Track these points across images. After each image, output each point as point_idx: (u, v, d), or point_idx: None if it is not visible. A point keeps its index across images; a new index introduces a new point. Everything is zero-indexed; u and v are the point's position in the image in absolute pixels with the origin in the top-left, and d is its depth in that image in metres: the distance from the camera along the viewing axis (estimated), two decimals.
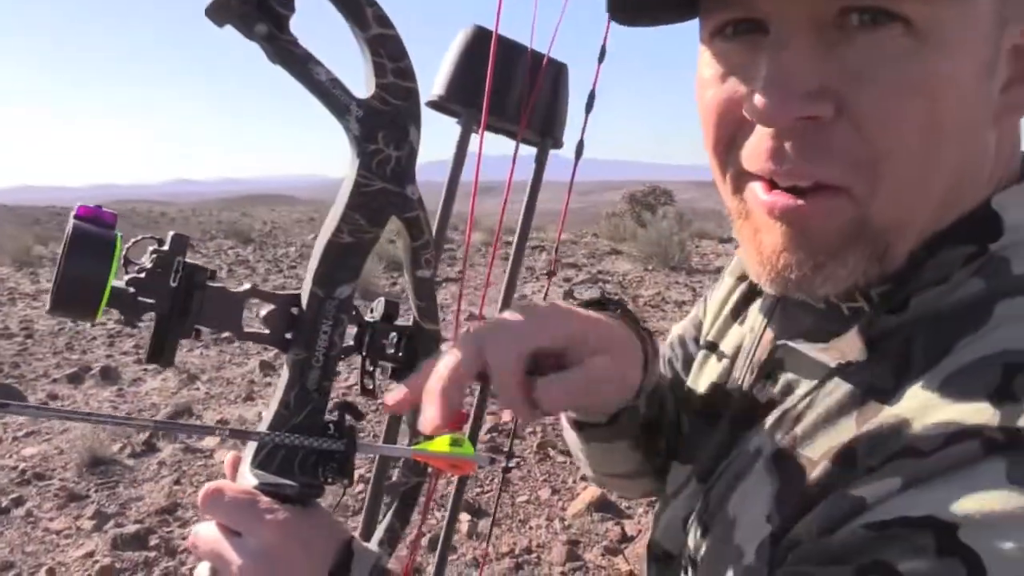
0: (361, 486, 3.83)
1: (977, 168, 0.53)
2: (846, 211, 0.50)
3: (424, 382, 0.60)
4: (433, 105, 1.13)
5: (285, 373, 0.65)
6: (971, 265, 0.52)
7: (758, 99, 0.48)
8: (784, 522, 0.52)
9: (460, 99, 1.11)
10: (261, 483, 0.61)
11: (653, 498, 0.89)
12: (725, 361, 0.74)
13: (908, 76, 0.46)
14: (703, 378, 0.76)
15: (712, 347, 0.78)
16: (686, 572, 0.65)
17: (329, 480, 0.65)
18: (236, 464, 0.65)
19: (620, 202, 17.04)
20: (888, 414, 0.49)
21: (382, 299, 0.77)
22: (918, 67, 0.46)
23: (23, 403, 0.59)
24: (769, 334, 0.67)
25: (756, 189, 0.53)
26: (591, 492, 3.74)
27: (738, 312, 0.77)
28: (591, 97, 1.16)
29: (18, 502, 3.77)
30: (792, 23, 0.47)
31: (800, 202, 0.50)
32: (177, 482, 4.02)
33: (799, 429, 0.56)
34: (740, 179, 0.55)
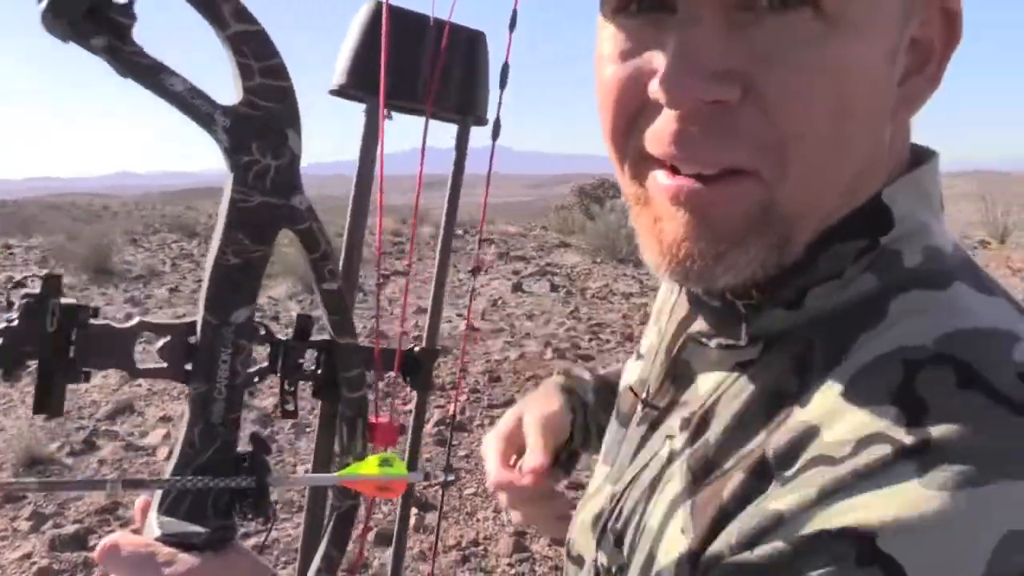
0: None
1: (877, 160, 0.53)
2: (752, 195, 0.49)
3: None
4: (337, 94, 1.05)
5: (187, 409, 0.61)
6: (863, 259, 0.52)
7: (664, 80, 0.46)
8: (701, 536, 0.51)
9: (364, 84, 1.03)
10: (164, 533, 0.57)
11: None
12: (641, 361, 0.75)
13: (817, 59, 0.45)
14: (624, 380, 0.77)
15: (637, 350, 0.80)
16: None
17: (248, 518, 0.62)
18: (146, 509, 0.62)
19: (569, 195, 17.13)
20: (797, 420, 0.49)
21: (296, 315, 0.75)
22: (827, 51, 0.45)
23: None
24: (674, 333, 0.67)
25: (658, 175, 0.51)
26: None
27: (658, 313, 0.78)
28: (504, 70, 1.08)
29: None
30: (701, 2, 0.46)
31: (704, 189, 0.49)
32: None
33: (710, 435, 0.55)
34: (640, 164, 0.53)
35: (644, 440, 0.65)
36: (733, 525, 0.48)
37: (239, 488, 0.59)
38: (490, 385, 5.35)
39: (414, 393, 1.14)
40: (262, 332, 0.66)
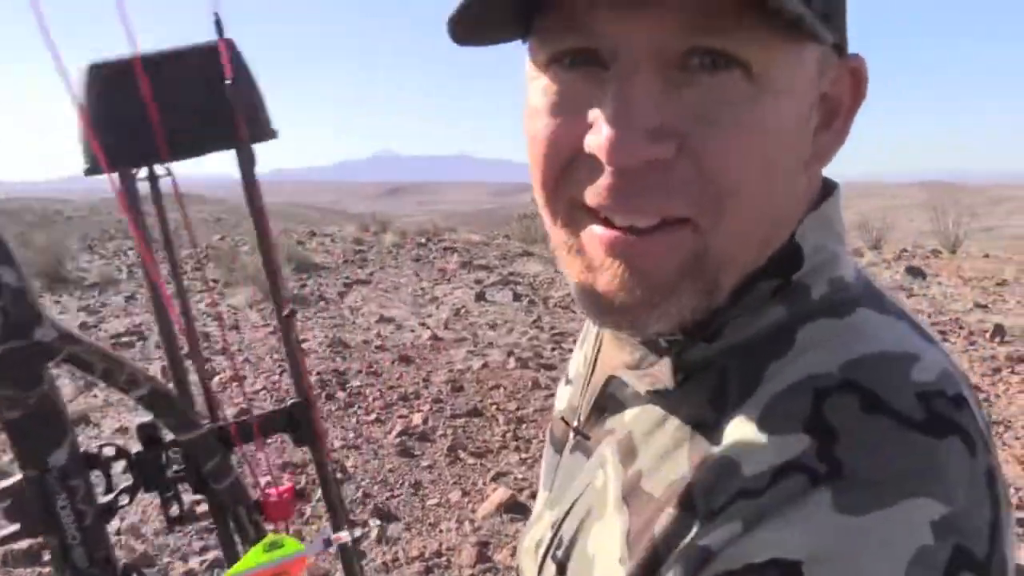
0: None
1: (791, 209, 0.56)
2: (687, 244, 0.51)
3: None
4: (92, 173, 0.97)
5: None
6: (777, 296, 0.56)
7: (603, 137, 0.48)
8: (638, 569, 0.53)
9: (101, 163, 0.94)
10: None
11: None
12: (571, 387, 0.77)
13: (747, 119, 0.48)
14: (557, 405, 0.79)
15: (567, 375, 0.82)
16: None
17: None
18: None
19: (532, 204, 17.16)
20: (718, 453, 0.51)
21: (136, 426, 0.71)
22: (756, 111, 0.48)
23: None
24: (601, 362, 0.69)
25: (593, 226, 0.52)
26: (501, 494, 3.78)
27: (584, 338, 0.80)
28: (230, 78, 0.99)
29: None
30: (638, 58, 0.47)
31: (639, 241, 0.50)
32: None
33: (639, 464, 0.58)
34: (573, 213, 0.54)
35: (578, 467, 0.67)
36: (668, 566, 0.50)
37: None
38: (453, 395, 5.34)
39: (310, 450, 1.05)
40: (111, 452, 0.62)
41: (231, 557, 0.88)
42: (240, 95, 0.99)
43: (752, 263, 0.55)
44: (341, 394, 5.34)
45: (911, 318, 0.57)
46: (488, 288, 8.88)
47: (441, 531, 3.57)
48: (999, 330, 6.46)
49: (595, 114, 0.49)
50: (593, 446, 0.66)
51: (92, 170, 0.96)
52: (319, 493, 3.87)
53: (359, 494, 3.89)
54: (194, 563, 3.25)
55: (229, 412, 4.91)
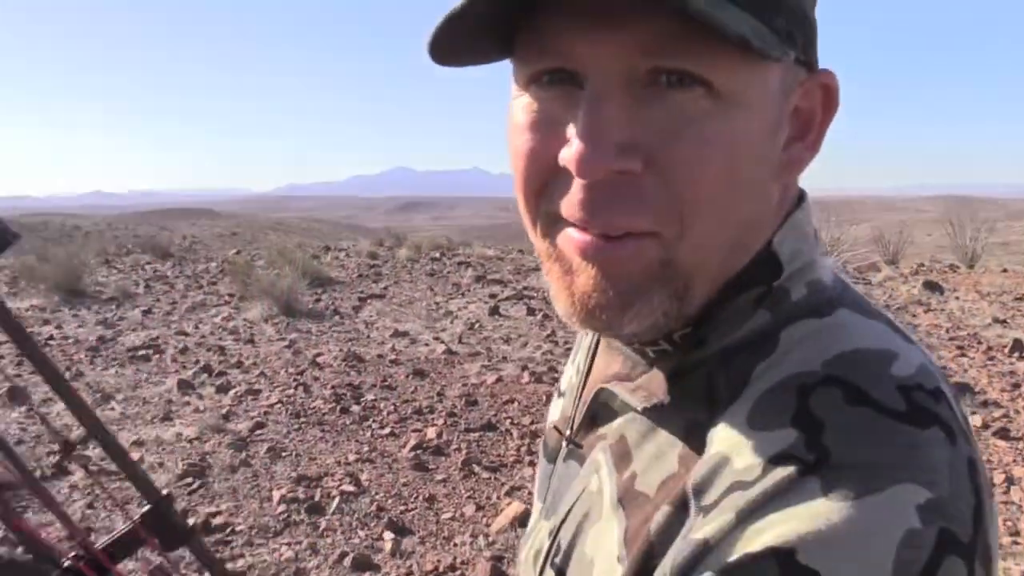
0: None
1: (762, 217, 0.58)
2: (653, 252, 0.53)
3: None
4: None
5: None
6: (760, 301, 0.58)
7: (574, 151, 0.51)
8: (634, 569, 0.54)
9: None
10: None
11: None
12: (563, 399, 0.80)
13: (709, 134, 0.51)
14: (549, 418, 0.81)
15: (559, 388, 0.84)
16: None
17: None
18: None
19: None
20: (710, 452, 0.53)
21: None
22: (718, 127, 0.51)
23: None
24: (593, 374, 0.72)
25: (568, 232, 0.55)
26: (515, 508, 3.77)
27: (576, 352, 0.82)
28: None
29: None
30: (607, 78, 0.51)
31: (610, 246, 0.53)
32: (90, 506, 3.90)
33: (635, 467, 0.60)
34: (551, 225, 0.57)
35: (572, 475, 0.69)
36: (665, 560, 0.52)
37: None
38: (467, 409, 5.34)
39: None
40: None
41: None
42: None
43: (726, 271, 0.58)
44: (356, 408, 5.36)
45: (889, 318, 0.59)
46: (502, 302, 8.89)
47: (455, 545, 3.57)
48: (1018, 345, 6.40)
49: (570, 131, 0.53)
50: (586, 453, 0.68)
51: None
52: (335, 504, 3.88)
53: (373, 508, 3.89)
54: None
55: (243, 426, 4.94)
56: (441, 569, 3.35)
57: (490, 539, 3.60)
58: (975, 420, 4.77)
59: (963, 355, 6.33)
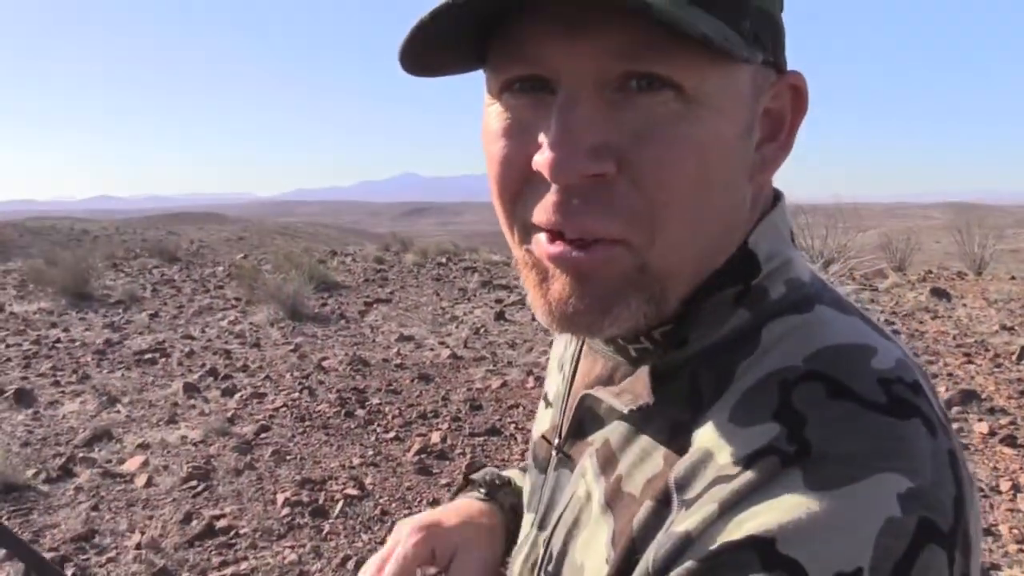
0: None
1: (737, 218, 0.59)
2: (626, 259, 0.54)
3: None
4: None
5: None
6: (739, 300, 0.59)
7: (548, 156, 0.51)
8: (617, 565, 0.55)
9: None
10: None
11: None
12: (551, 409, 0.79)
13: (679, 137, 0.51)
14: (537, 428, 0.81)
15: (545, 398, 0.84)
16: None
17: None
18: None
19: None
20: (693, 448, 0.54)
21: None
22: (688, 129, 0.51)
23: None
24: (577, 379, 0.72)
25: (542, 240, 0.56)
26: None
27: (560, 360, 0.82)
28: None
29: None
30: (579, 83, 0.52)
31: (583, 254, 0.54)
32: (95, 508, 3.90)
33: (620, 470, 0.60)
34: (527, 230, 0.57)
35: (562, 483, 0.69)
36: (648, 553, 0.52)
37: None
38: (472, 413, 5.34)
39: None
40: None
41: None
42: None
43: (702, 270, 0.58)
44: (360, 412, 5.36)
45: (865, 315, 0.60)
46: (508, 307, 8.89)
47: None
48: None
49: (543, 137, 0.53)
50: (576, 459, 0.68)
51: None
52: (339, 508, 3.88)
53: (377, 511, 3.89)
54: None
55: (248, 429, 4.95)
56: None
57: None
58: (982, 427, 4.74)
59: (970, 362, 6.30)
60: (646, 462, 0.58)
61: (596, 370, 0.68)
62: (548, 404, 0.82)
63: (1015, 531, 3.51)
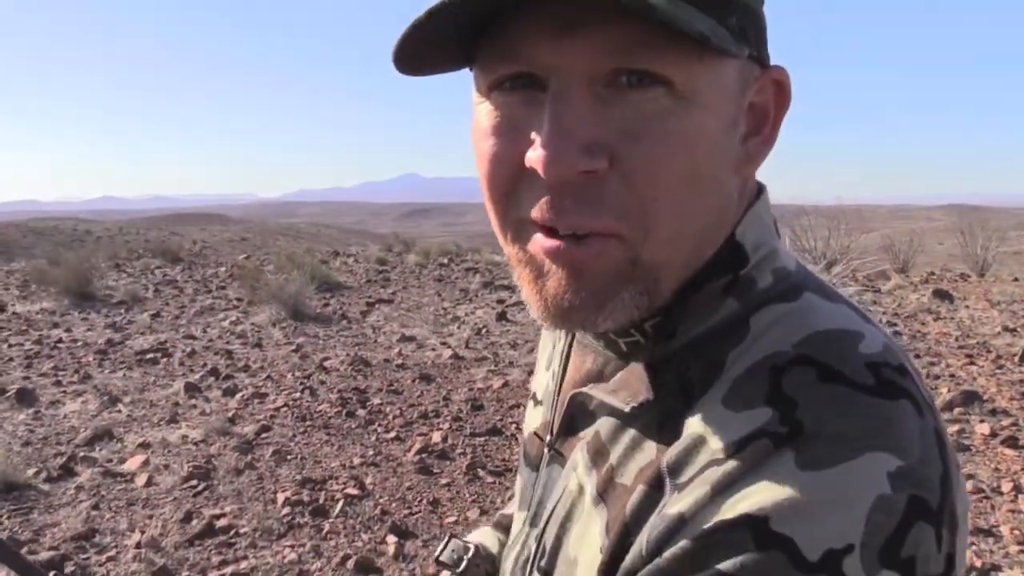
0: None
1: (725, 211, 0.60)
2: (618, 252, 0.55)
3: None
4: None
5: None
6: (728, 290, 0.60)
7: (541, 152, 0.52)
8: (611, 551, 0.55)
9: None
10: None
11: None
12: (541, 407, 0.79)
13: (670, 132, 0.52)
14: (527, 427, 0.81)
15: (534, 396, 0.84)
16: None
17: None
18: None
19: None
20: (685, 435, 0.54)
21: None
22: (678, 124, 0.52)
23: None
24: (568, 376, 0.72)
25: (538, 236, 0.56)
26: None
27: (549, 359, 0.82)
28: None
29: None
30: (571, 80, 0.52)
31: (577, 248, 0.54)
32: (95, 507, 3.91)
33: (611, 461, 0.61)
34: (521, 227, 0.58)
35: (554, 478, 0.70)
36: (641, 536, 0.53)
37: None
38: (473, 413, 5.34)
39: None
40: None
41: None
42: None
43: (692, 263, 0.59)
44: (361, 412, 5.36)
45: (851, 303, 0.61)
46: (510, 308, 8.89)
47: None
48: None
49: (535, 133, 0.54)
50: (567, 454, 0.68)
51: None
52: (339, 507, 3.88)
53: (377, 511, 3.89)
54: None
55: (249, 429, 4.95)
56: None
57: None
58: (983, 428, 4.73)
59: (972, 363, 6.29)
60: (637, 452, 0.58)
61: (587, 366, 0.68)
62: (537, 402, 0.82)
63: (1016, 532, 3.50)
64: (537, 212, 0.55)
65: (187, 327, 8.17)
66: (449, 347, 7.15)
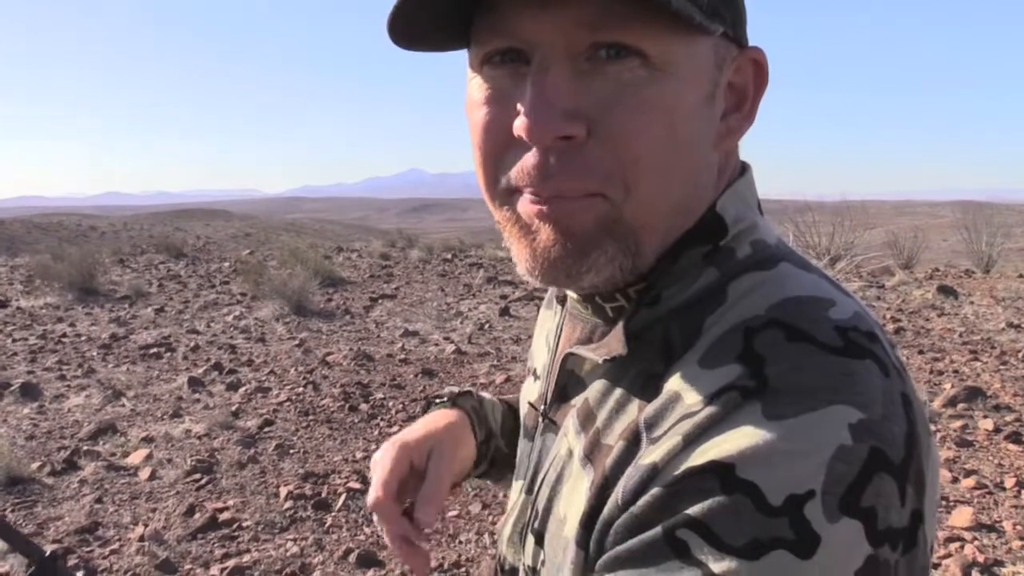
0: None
1: (704, 181, 0.63)
2: (602, 207, 0.58)
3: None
4: None
5: None
6: (708, 259, 0.63)
7: (524, 119, 0.56)
8: (591, 502, 0.58)
9: None
10: None
11: None
12: (539, 381, 0.83)
13: (646, 99, 0.56)
14: (524, 399, 0.85)
15: (533, 372, 0.88)
16: None
17: None
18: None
19: None
20: (663, 393, 0.57)
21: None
22: (654, 91, 0.56)
23: None
24: (560, 345, 0.76)
25: (526, 197, 0.60)
26: None
27: (547, 335, 0.86)
28: None
29: None
30: (551, 53, 0.56)
31: (562, 204, 0.58)
32: (99, 500, 3.92)
33: (598, 424, 0.63)
34: (510, 195, 0.62)
35: (547, 446, 0.73)
36: (617, 487, 0.55)
37: None
38: None
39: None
40: None
41: None
42: None
43: (674, 228, 0.62)
44: (364, 406, 5.37)
45: (825, 275, 0.63)
46: (513, 303, 8.89)
47: (460, 543, 3.57)
48: None
49: (520, 104, 0.58)
50: (559, 421, 0.71)
51: None
52: (341, 501, 3.89)
53: None
54: (215, 570, 3.27)
55: (252, 423, 4.96)
56: (446, 566, 3.35)
57: (495, 537, 3.59)
58: (987, 424, 4.73)
59: (976, 359, 6.28)
60: (621, 414, 0.61)
61: (576, 334, 0.72)
62: (536, 377, 0.85)
63: (1019, 527, 3.50)
64: (523, 177, 0.59)
65: (191, 322, 8.19)
66: (452, 342, 7.16)
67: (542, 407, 0.76)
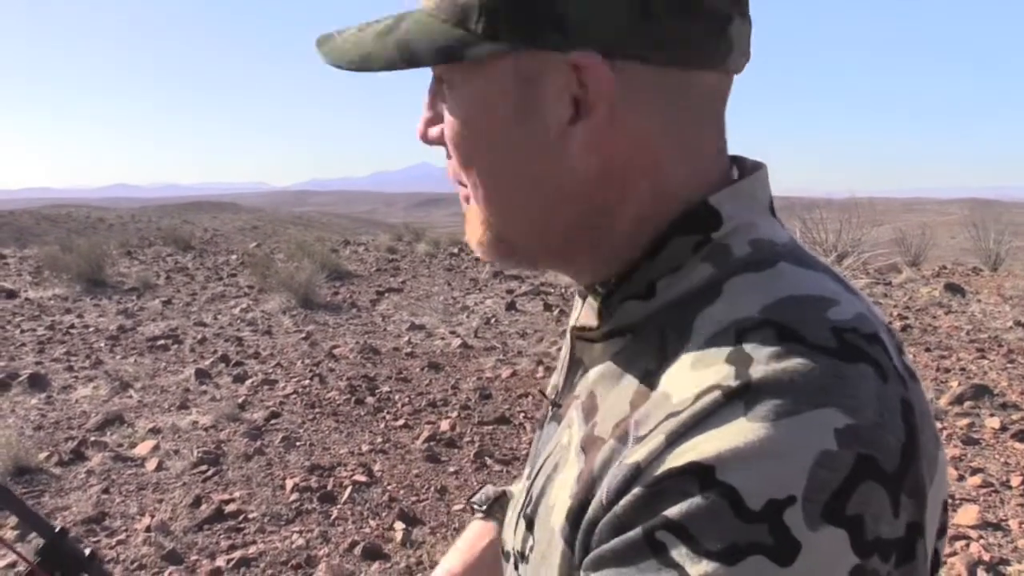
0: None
1: (572, 190, 0.63)
2: (481, 223, 0.68)
3: None
4: None
5: None
6: (700, 252, 0.62)
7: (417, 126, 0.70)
8: (579, 500, 0.58)
9: None
10: None
11: None
12: (557, 372, 0.83)
13: (451, 119, 0.64)
14: (549, 390, 0.86)
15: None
16: (516, 568, 0.71)
17: None
18: None
19: None
20: (654, 394, 0.57)
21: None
22: (456, 111, 0.64)
23: None
24: (573, 337, 0.76)
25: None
26: None
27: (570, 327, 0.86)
28: None
29: None
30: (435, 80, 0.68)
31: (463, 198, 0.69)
32: (106, 491, 3.94)
33: (597, 415, 0.64)
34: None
35: (551, 434, 0.73)
36: (602, 486, 0.55)
37: None
38: (481, 402, 5.36)
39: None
40: None
41: None
42: None
43: (545, 234, 0.66)
44: (370, 399, 5.38)
45: (835, 273, 0.62)
46: (519, 298, 8.90)
47: None
48: None
49: None
50: (564, 411, 0.71)
51: None
52: (347, 493, 3.90)
53: (385, 498, 3.91)
54: (221, 561, 3.28)
55: (259, 415, 4.97)
56: None
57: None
58: (993, 422, 4.72)
59: (983, 357, 6.26)
60: (617, 409, 0.61)
61: (583, 319, 0.73)
62: (561, 369, 0.86)
63: None
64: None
65: (198, 314, 8.21)
66: (458, 336, 7.17)
67: (553, 395, 0.77)
